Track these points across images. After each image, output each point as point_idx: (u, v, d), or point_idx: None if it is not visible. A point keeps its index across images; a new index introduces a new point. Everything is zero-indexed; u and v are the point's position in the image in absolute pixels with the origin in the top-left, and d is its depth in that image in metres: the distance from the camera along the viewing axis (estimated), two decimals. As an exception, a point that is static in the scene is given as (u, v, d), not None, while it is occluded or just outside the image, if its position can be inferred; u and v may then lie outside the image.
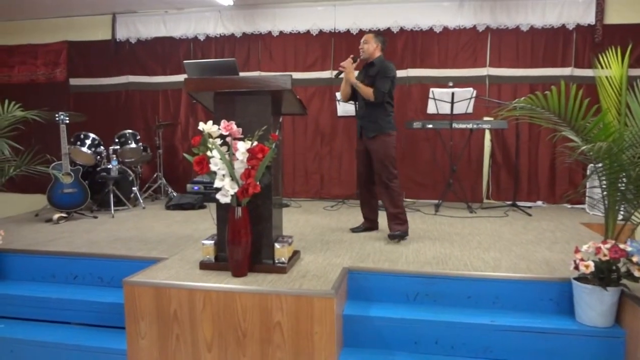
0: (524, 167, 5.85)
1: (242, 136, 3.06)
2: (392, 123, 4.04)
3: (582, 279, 2.87)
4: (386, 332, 3.01)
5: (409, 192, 6.16)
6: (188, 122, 6.62)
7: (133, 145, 5.69)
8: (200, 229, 4.52)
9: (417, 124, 5.46)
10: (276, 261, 3.19)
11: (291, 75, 3.05)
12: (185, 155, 3.16)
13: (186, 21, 6.54)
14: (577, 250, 2.86)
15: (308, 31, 6.27)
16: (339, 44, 6.22)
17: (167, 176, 6.32)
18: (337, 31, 6.20)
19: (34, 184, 5.85)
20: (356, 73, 4.13)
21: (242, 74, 6.29)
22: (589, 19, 5.69)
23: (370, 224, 4.37)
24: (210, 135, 3.05)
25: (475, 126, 5.31)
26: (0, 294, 3.57)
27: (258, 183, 2.99)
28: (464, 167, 5.93)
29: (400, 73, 6.04)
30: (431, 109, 5.33)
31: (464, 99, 5.16)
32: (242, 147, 2.96)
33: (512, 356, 2.89)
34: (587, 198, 5.32)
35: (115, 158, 5.32)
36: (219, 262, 3.23)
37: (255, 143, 2.97)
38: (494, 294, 3.13)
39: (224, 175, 2.98)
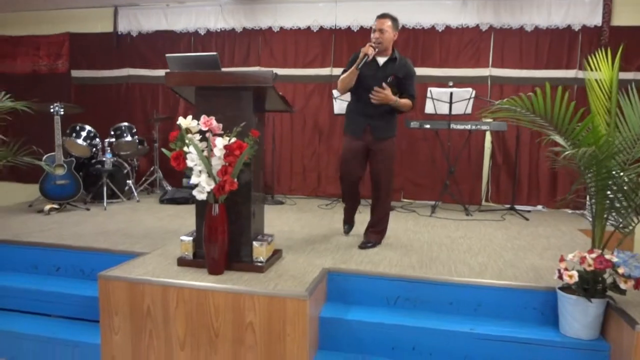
0: (524, 170, 5.72)
1: (222, 132, 3.00)
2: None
3: (567, 289, 2.76)
4: (363, 336, 2.93)
5: (406, 192, 6.08)
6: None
7: (129, 138, 5.67)
8: (188, 224, 4.46)
9: (414, 124, 5.35)
10: (254, 260, 3.13)
11: (273, 71, 2.97)
12: (163, 150, 3.11)
13: (187, 15, 6.50)
14: (562, 259, 2.75)
15: (309, 27, 6.18)
16: (339, 41, 6.13)
17: (164, 170, 6.29)
18: (337, 27, 6.11)
19: (31, 174, 5.85)
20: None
21: (241, 69, 6.39)
22: (596, 20, 5.54)
23: (352, 226, 4.16)
24: (189, 131, 3.01)
25: (474, 127, 5.19)
26: (-19, 284, 3.57)
27: (236, 180, 2.93)
28: (463, 168, 5.81)
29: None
30: (429, 108, 5.23)
31: (463, 99, 5.05)
32: (220, 144, 2.89)
33: (492, 366, 2.81)
34: (587, 203, 5.18)
35: (110, 151, 5.30)
36: (197, 259, 3.17)
37: (234, 139, 2.92)
38: (476, 301, 3.03)
39: (200, 172, 2.92)
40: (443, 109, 5.14)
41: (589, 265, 2.60)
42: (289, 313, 2.74)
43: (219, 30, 6.46)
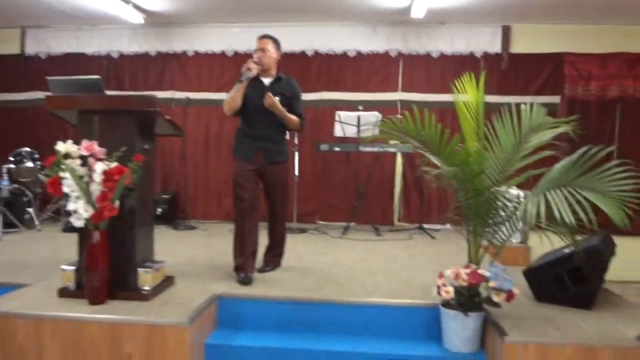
0: (434, 190, 5.90)
1: (105, 157, 2.91)
2: None
3: (448, 304, 2.83)
4: (249, 362, 2.88)
5: (321, 215, 6.12)
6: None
7: (29, 164, 5.40)
8: (87, 253, 4.28)
9: (324, 147, 5.43)
10: (139, 288, 3.02)
11: (154, 96, 2.93)
12: (40, 175, 2.98)
13: (99, 37, 6.35)
14: (440, 275, 2.82)
15: (223, 52, 6.20)
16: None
17: (73, 197, 6.01)
18: (252, 52, 6.13)
19: None
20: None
21: (155, 93, 6.26)
22: (496, 47, 5.87)
23: (253, 266, 3.55)
24: (68, 156, 2.90)
25: (381, 149, 5.32)
26: None
27: (116, 206, 2.84)
28: (375, 189, 5.93)
29: (315, 96, 6.09)
30: (338, 132, 5.32)
31: (370, 123, 5.17)
32: (99, 169, 2.80)
33: (376, 384, 2.82)
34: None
35: (7, 177, 5.03)
36: (80, 290, 3.02)
37: (114, 164, 2.84)
38: (365, 321, 3.05)
39: (77, 198, 2.81)
40: (352, 132, 5.24)
41: (464, 281, 2.68)
42: (169, 342, 2.65)
43: (132, 54, 6.35)
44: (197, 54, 6.24)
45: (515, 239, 4.75)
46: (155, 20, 6.02)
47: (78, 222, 2.84)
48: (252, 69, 3.40)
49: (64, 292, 3.04)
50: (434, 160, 2.85)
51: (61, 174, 2.81)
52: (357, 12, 5.59)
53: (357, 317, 3.06)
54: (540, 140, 2.80)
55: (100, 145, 2.90)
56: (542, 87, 5.84)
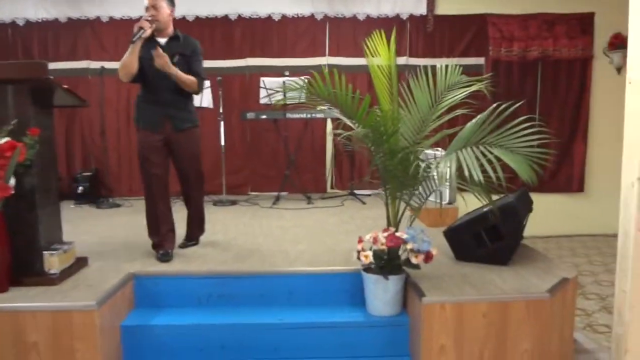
0: (365, 156, 5.88)
1: (-3, 132, 2.65)
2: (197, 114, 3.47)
3: (369, 269, 2.82)
4: (170, 341, 2.77)
5: (253, 185, 6.00)
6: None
7: None
8: None
9: (250, 115, 5.27)
10: (46, 272, 2.82)
11: (46, 63, 2.68)
12: None
13: (1, 3, 5.80)
14: (360, 240, 2.79)
15: (140, 17, 5.80)
16: (174, 31, 5.85)
17: None
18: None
19: None
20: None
21: (68, 63, 5.86)
22: (421, 9, 5.83)
23: (173, 244, 3.37)
24: (-48, 131, 2.62)
25: (309, 116, 5.23)
26: None
27: (11, 185, 2.61)
28: (306, 157, 5.85)
29: (239, 62, 5.87)
30: (264, 99, 5.16)
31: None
32: (-13, 145, 2.55)
33: (302, 353, 2.79)
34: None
35: None
36: (-20, 278, 2.79)
37: (5, 139, 2.59)
38: (288, 290, 3.01)
39: (-36, 178, 2.56)
40: (278, 99, 5.08)
41: (382, 244, 2.67)
42: (76, 327, 2.50)
43: (40, 21, 5.85)
44: (112, 19, 5.83)
45: (444, 200, 4.81)
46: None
47: (-33, 205, 2.59)
48: (145, 27, 3.09)
49: (-38, 282, 2.80)
50: (350, 123, 2.78)
51: (-58, 153, 2.54)
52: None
53: (279, 288, 3.01)
54: (454, 99, 2.78)
55: (-9, 119, 2.64)
56: (467, 48, 5.88)
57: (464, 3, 5.83)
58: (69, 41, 5.86)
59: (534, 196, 3.49)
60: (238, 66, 5.84)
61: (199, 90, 3.30)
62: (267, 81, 5.11)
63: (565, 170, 6.07)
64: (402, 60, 5.83)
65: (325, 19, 5.85)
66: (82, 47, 5.88)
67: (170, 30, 3.29)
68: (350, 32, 5.86)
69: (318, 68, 5.68)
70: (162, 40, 3.27)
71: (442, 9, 5.87)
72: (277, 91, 4.31)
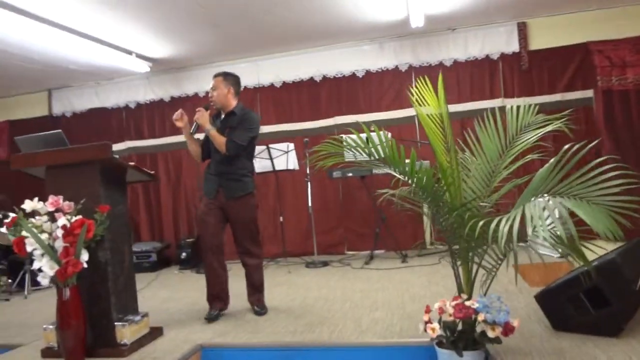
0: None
1: (71, 211, 2.84)
2: (253, 182, 3.59)
3: (441, 343, 2.47)
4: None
5: (350, 244, 5.83)
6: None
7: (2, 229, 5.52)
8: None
9: (337, 174, 5.18)
10: (118, 343, 2.88)
11: (109, 144, 2.85)
12: (4, 231, 2.92)
13: (117, 91, 6.53)
14: (427, 310, 2.47)
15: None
16: (264, 98, 6.09)
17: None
18: (261, 86, 6.08)
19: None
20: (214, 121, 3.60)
21: (172, 138, 6.31)
22: (513, 46, 5.44)
23: (223, 304, 3.53)
24: (37, 213, 2.85)
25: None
26: None
27: (82, 260, 2.75)
28: (399, 212, 5.55)
29: (327, 122, 5.89)
30: (348, 156, 5.04)
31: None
32: (60, 223, 2.73)
33: None
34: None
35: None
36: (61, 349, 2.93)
37: (75, 218, 2.76)
38: (356, 365, 2.74)
39: (41, 255, 2.74)
40: (363, 156, 4.95)
41: (449, 315, 2.33)
42: (134, 402, 2.48)
43: (148, 102, 6.47)
44: (208, 94, 6.22)
45: (554, 253, 4.22)
46: (163, 67, 6.11)
47: (44, 280, 2.75)
48: (198, 119, 3.46)
49: (47, 353, 2.96)
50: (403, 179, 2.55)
51: (24, 233, 2.76)
52: (358, 31, 5.38)
53: (346, 361, 2.76)
54: (526, 143, 2.42)
55: (68, 199, 2.84)
56: (571, 82, 5.32)
57: (560, 34, 5.33)
58: (171, 117, 6.34)
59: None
60: (326, 125, 5.86)
61: (228, 150, 3.38)
62: (347, 138, 5.01)
63: None
64: (497, 102, 5.43)
65: (410, 70, 5.69)
66: (184, 122, 6.32)
67: (230, 106, 3.53)
68: (436, 80, 5.60)
69: (406, 120, 5.62)
70: (223, 117, 3.58)
71: (536, 44, 5.42)
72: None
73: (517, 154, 2.47)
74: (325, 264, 5.20)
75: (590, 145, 2.00)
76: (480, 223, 2.01)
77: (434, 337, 2.38)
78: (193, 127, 3.52)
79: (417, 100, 2.60)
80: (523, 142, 2.46)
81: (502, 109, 5.19)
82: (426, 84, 2.59)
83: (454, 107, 5.50)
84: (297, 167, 5.37)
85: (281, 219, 5.61)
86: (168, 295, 4.43)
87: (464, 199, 2.48)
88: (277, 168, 5.28)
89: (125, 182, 3.19)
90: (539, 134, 2.43)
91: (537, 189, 2.09)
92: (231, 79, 3.56)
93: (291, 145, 5.22)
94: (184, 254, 5.83)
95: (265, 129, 6.03)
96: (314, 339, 2.87)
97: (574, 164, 1.97)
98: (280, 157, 5.23)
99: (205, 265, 3.52)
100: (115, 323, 2.90)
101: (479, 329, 2.36)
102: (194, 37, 5.26)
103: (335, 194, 5.89)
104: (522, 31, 5.41)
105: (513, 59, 5.45)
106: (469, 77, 5.55)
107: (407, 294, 3.69)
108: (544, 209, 1.93)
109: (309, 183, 5.22)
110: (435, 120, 2.53)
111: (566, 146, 2.01)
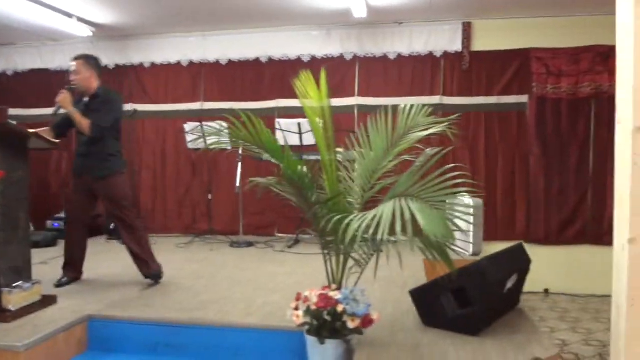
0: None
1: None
2: (122, 161, 3.72)
3: (309, 330, 2.55)
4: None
5: (280, 226, 5.89)
6: (62, 156, 6.39)
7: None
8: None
9: (266, 156, 5.19)
10: (4, 308, 2.90)
11: (6, 108, 2.82)
12: None
13: (60, 53, 6.37)
14: (298, 297, 2.55)
15: (179, 62, 6.10)
16: (208, 75, 6.05)
17: (34, 210, 6.03)
18: (206, 62, 6.03)
19: None
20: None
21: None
22: (456, 46, 5.50)
23: (76, 273, 3.71)
24: None
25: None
26: None
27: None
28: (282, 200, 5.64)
29: (269, 104, 5.90)
30: (279, 140, 5.08)
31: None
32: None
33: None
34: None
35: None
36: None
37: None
38: (236, 346, 2.82)
39: None
40: (294, 140, 5.00)
41: (313, 304, 2.41)
42: (4, 369, 2.50)
43: (92, 68, 6.34)
44: (153, 65, 6.17)
45: (467, 251, 4.36)
46: (108, 34, 6.00)
47: None
48: (59, 101, 3.45)
49: None
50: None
51: None
52: (307, 15, 5.35)
53: (229, 342, 2.83)
54: (407, 143, 2.49)
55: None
56: (508, 86, 5.42)
57: (504, 38, 5.41)
58: (115, 86, 6.24)
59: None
60: (267, 107, 5.86)
61: (91, 133, 3.45)
62: (282, 123, 5.05)
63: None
64: (435, 99, 5.51)
65: (355, 59, 5.72)
66: (126, 91, 6.22)
67: (93, 89, 3.59)
68: (380, 72, 5.67)
69: (347, 109, 5.66)
70: (86, 100, 3.63)
71: (479, 45, 5.49)
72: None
73: (398, 153, 2.54)
74: (250, 244, 5.26)
75: (445, 151, 2.08)
76: (334, 220, 2.07)
77: (298, 323, 2.46)
78: (55, 108, 3.49)
79: (299, 92, 2.63)
80: (405, 142, 2.52)
81: (443, 106, 5.38)
82: (308, 76, 2.59)
83: (394, 101, 5.53)
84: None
85: (209, 196, 5.65)
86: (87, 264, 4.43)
87: (348, 195, 2.55)
88: (209, 146, 5.26)
89: (27, 148, 3.16)
90: (421, 136, 2.50)
91: (396, 191, 2.16)
92: (92, 62, 3.62)
93: (224, 124, 5.20)
94: (112, 225, 5.80)
95: (207, 105, 6.03)
96: (199, 317, 2.93)
97: (429, 168, 2.05)
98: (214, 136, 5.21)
99: (65, 235, 3.76)
100: (2, 289, 2.90)
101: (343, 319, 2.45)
102: (139, 6, 5.17)
103: (260, 176, 5.90)
104: (467, 31, 5.47)
105: (455, 58, 5.52)
106: (411, 72, 5.60)
107: (312, 279, 3.75)
108: (393, 211, 2.00)
109: (239, 164, 5.24)
110: (316, 113, 2.57)
111: (427, 150, 2.09)
